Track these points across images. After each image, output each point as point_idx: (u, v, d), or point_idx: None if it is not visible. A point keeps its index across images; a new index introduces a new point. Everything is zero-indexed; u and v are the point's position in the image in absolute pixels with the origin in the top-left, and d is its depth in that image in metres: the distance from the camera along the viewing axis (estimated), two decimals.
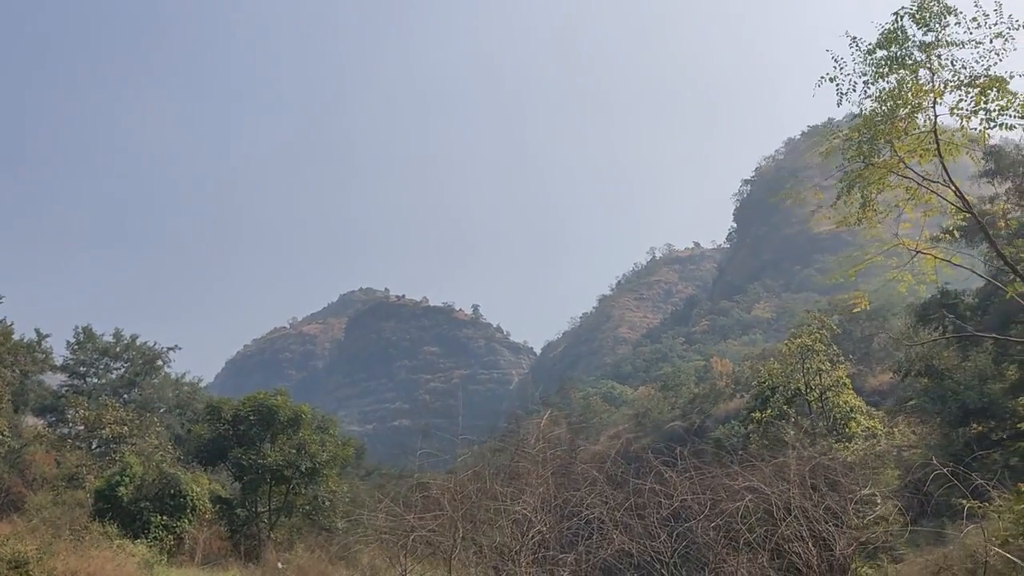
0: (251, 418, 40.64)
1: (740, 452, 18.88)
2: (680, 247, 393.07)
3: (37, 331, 57.82)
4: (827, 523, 14.56)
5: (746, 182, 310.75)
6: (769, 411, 35.72)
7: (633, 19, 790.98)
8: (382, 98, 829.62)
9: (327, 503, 41.53)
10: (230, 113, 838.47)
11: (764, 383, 38.37)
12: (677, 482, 14.84)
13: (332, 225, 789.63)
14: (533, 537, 14.58)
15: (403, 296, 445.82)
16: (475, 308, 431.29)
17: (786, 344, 38.66)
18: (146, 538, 33.31)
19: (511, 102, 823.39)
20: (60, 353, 61.30)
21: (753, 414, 37.21)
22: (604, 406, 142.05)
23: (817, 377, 35.10)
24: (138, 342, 64.24)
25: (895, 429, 34.96)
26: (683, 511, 15.13)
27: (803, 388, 35.48)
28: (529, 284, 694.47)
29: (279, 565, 36.49)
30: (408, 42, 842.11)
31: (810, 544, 13.78)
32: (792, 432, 33.33)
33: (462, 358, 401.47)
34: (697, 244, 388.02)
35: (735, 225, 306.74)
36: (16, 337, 53.81)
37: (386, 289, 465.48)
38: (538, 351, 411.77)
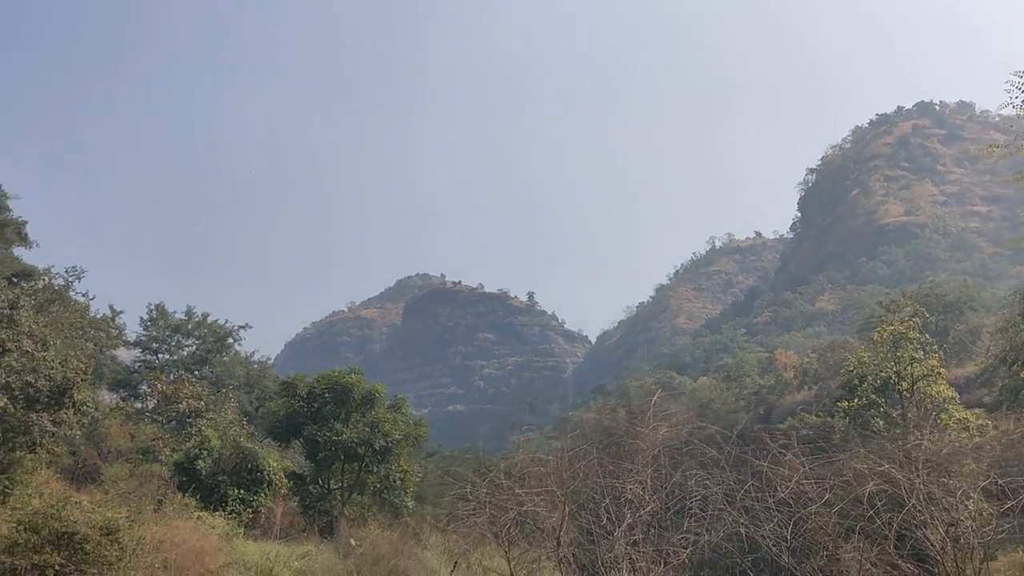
0: (326, 395, 40.78)
1: (819, 442, 18.06)
2: (741, 237, 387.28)
3: (111, 307, 59.06)
4: (951, 511, 13.82)
5: (811, 171, 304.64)
6: (857, 400, 34.63)
7: (697, 3, 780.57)
8: (442, 81, 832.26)
9: (398, 482, 41.53)
10: (293, 99, 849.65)
11: (852, 371, 37.19)
12: (796, 464, 14.16)
13: (390, 210, 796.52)
14: (642, 516, 14.07)
15: (459, 282, 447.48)
16: (530, 295, 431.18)
17: (877, 332, 37.37)
18: (224, 511, 33.62)
19: (571, 89, 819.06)
20: (132, 329, 62.60)
21: (840, 403, 36.06)
22: (666, 395, 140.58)
23: (909, 366, 33.83)
24: (209, 320, 65.17)
25: (990, 422, 33.41)
26: (797, 496, 14.47)
27: (894, 377, 34.27)
28: (585, 272, 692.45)
29: (352, 542, 36.64)
30: (477, 19, 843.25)
31: (942, 531, 13.03)
32: (882, 422, 32.31)
33: (517, 345, 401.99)
34: (758, 234, 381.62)
35: (799, 215, 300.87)
36: (90, 313, 54.99)
37: (442, 275, 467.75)
38: (593, 340, 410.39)
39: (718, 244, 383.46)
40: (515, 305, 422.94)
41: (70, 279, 41.48)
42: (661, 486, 14.14)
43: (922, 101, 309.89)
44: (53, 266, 46.25)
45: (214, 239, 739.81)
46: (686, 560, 13.14)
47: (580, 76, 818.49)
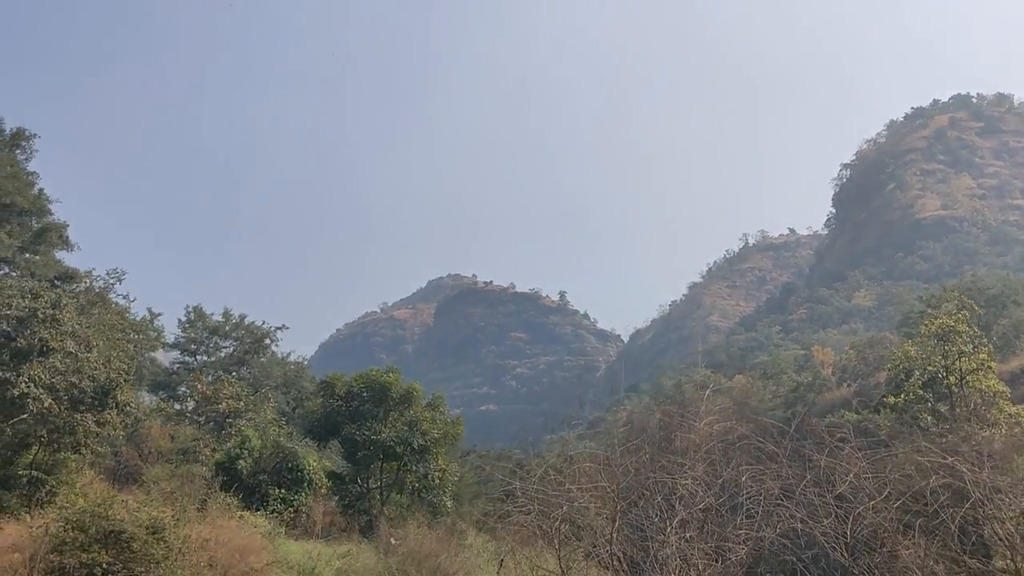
0: (364, 394, 40.82)
1: (879, 435, 17.59)
2: (774, 233, 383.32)
3: (149, 310, 59.60)
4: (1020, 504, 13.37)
5: (845, 166, 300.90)
6: (904, 396, 33.86)
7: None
8: (475, 80, 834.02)
9: (436, 481, 41.40)
10: (326, 100, 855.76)
11: (899, 366, 36.38)
12: (853, 459, 13.77)
13: (422, 211, 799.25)
14: (695, 512, 13.77)
15: (490, 282, 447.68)
16: (562, 295, 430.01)
17: (925, 325, 36.52)
18: (265, 510, 33.70)
19: (602, 86, 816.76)
20: (170, 331, 63.17)
21: (886, 398, 35.30)
22: (699, 393, 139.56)
23: (958, 360, 32.98)
24: (246, 321, 65.62)
25: None
26: (855, 491, 14.08)
27: (942, 372, 33.44)
28: (617, 271, 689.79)
29: (392, 541, 36.56)
30: (510, 16, 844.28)
31: (1011, 525, 12.60)
32: (930, 417, 31.60)
33: (549, 345, 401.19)
34: (792, 230, 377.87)
35: (834, 210, 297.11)
36: (130, 315, 55.52)
37: (473, 275, 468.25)
38: (626, 339, 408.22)
39: (751, 241, 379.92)
40: (547, 304, 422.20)
41: (111, 281, 42.05)
42: (715, 481, 13.82)
43: (959, 93, 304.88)
44: (94, 269, 46.81)
45: (248, 241, 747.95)
46: (744, 557, 12.81)
47: (612, 73, 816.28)
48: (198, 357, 63.10)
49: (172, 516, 23.16)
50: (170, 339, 62.79)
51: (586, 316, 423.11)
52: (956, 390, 32.96)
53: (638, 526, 14.51)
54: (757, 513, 13.94)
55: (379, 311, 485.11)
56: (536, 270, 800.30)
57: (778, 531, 13.67)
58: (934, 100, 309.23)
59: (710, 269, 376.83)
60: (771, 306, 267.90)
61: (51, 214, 38.94)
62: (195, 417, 46.93)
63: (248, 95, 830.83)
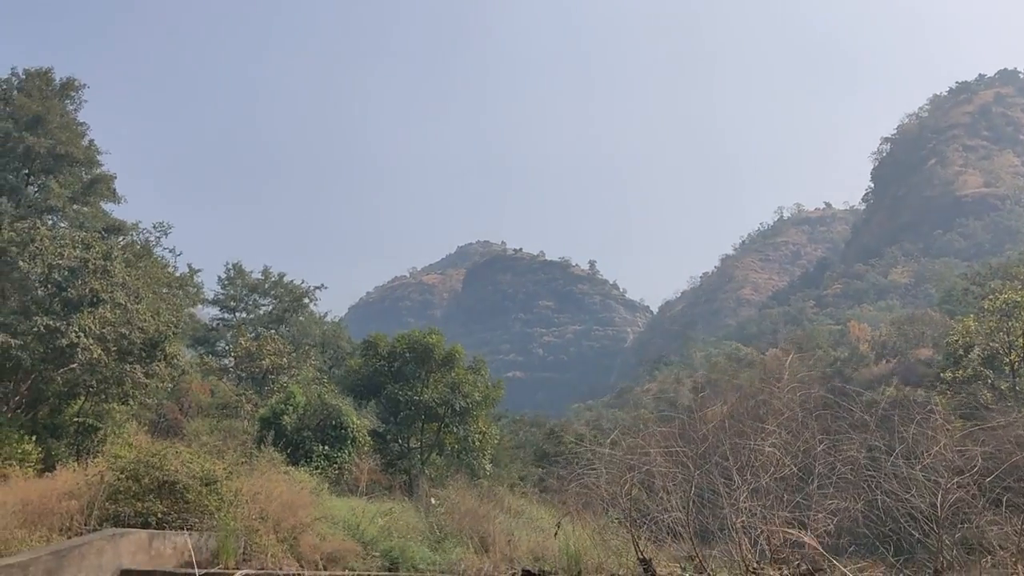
0: (407, 355, 40.63)
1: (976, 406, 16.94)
2: (810, 207, 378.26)
3: (189, 266, 59.73)
4: None
5: (886, 140, 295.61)
6: (962, 371, 33.00)
7: None
8: (513, 46, 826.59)
9: (476, 443, 41.25)
10: (360, 69, 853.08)
11: (957, 342, 35.43)
12: (944, 430, 13.20)
13: (453, 177, 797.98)
14: (772, 480, 13.30)
15: (520, 249, 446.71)
16: (592, 264, 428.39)
17: (988, 300, 35.49)
18: (309, 466, 33.67)
19: (641, 58, 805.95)
20: (209, 288, 63.36)
21: (943, 374, 34.45)
22: (731, 365, 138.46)
23: (1021, 337, 31.99)
24: (285, 280, 65.67)
25: None
26: (945, 464, 13.51)
27: (1004, 348, 32.51)
28: (648, 241, 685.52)
29: (432, 501, 36.51)
30: None
31: None
32: (989, 394, 30.79)
33: (577, 313, 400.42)
34: (828, 204, 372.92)
35: (872, 185, 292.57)
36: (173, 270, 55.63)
37: (503, 242, 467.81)
38: (655, 310, 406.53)
39: (786, 214, 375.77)
40: (576, 273, 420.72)
41: (157, 234, 42.08)
42: (796, 448, 13.32)
43: (1005, 69, 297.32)
44: (140, 221, 46.88)
45: (284, 203, 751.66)
46: (828, 528, 12.35)
47: (659, 42, 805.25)
48: (237, 314, 63.35)
49: (224, 469, 23.10)
50: (208, 296, 63.13)
51: (615, 286, 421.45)
52: (1019, 367, 32.08)
53: (712, 493, 14.09)
54: (840, 483, 13.46)
55: (408, 275, 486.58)
56: (567, 239, 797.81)
57: (862, 503, 13.19)
58: (979, 75, 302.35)
59: (743, 242, 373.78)
60: (805, 280, 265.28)
61: (100, 165, 38.95)
62: (238, 372, 47.06)
63: (294, 55, 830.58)
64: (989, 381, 31.46)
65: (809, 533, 12.14)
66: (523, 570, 14.03)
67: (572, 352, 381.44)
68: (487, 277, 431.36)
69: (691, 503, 13.12)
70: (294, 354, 47.53)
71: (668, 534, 14.70)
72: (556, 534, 23.20)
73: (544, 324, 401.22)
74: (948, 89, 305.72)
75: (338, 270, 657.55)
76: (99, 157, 38.63)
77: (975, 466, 13.09)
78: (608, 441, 15.05)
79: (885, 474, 12.95)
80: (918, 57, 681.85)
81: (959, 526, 13.47)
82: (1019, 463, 12.98)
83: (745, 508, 13.22)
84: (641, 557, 13.84)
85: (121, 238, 37.73)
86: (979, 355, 33.44)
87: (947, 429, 13.60)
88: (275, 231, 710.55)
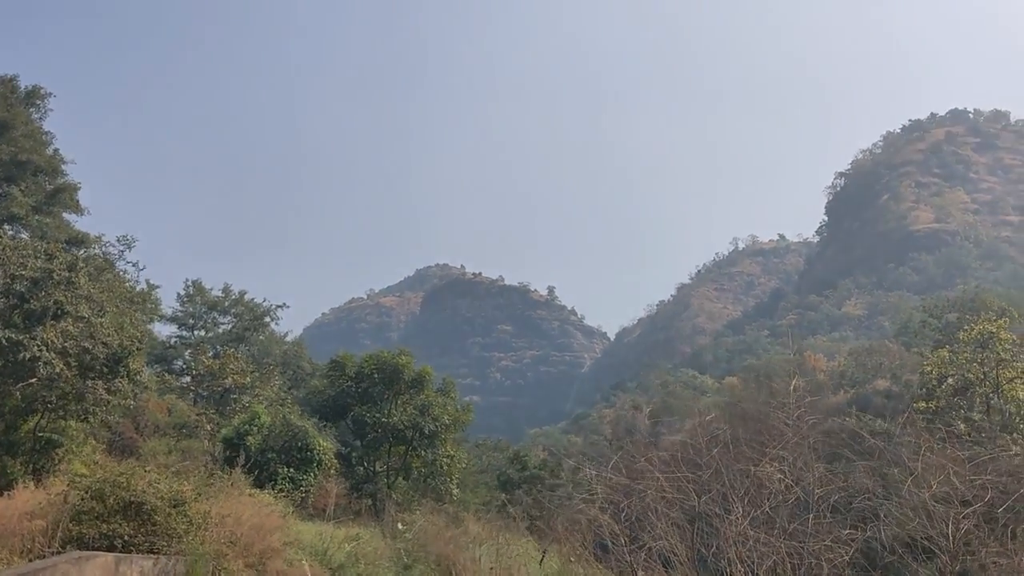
0: (375, 376, 39.84)
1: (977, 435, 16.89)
2: (764, 239, 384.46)
3: (147, 282, 58.19)
4: None
5: (840, 175, 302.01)
6: (935, 402, 33.24)
7: (730, 6, 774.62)
8: (460, 78, 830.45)
9: (444, 467, 40.52)
10: (327, 88, 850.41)
11: (931, 372, 35.71)
12: (950, 458, 13.03)
13: (409, 199, 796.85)
14: (782, 506, 12.99)
15: (479, 273, 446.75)
16: (550, 289, 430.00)
17: (963, 332, 35.86)
18: (273, 489, 32.72)
19: (591, 83, 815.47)
20: (168, 305, 61.78)
21: (917, 404, 34.66)
22: (689, 393, 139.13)
23: (995, 368, 32.31)
24: (246, 298, 64.43)
25: None
26: (948, 494, 13.32)
27: (980, 379, 32.77)
28: (605, 269, 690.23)
29: (399, 525, 35.73)
30: (480, 24, 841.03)
31: None
32: (963, 425, 30.99)
33: (535, 339, 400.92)
34: (782, 236, 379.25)
35: (826, 218, 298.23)
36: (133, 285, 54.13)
37: (462, 266, 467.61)
38: (612, 336, 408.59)
39: (741, 245, 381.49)
40: (535, 298, 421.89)
41: (121, 248, 40.86)
42: (806, 475, 13.02)
43: (956, 108, 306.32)
44: (104, 234, 45.53)
45: (238, 219, 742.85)
46: (843, 558, 12.03)
47: (606, 75, 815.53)
48: (196, 332, 61.84)
49: (192, 490, 22.25)
50: (166, 312, 61.54)
51: (573, 312, 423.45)
52: (992, 399, 32.37)
53: (708, 520, 13.73)
54: (844, 511, 13.20)
55: (365, 297, 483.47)
56: (525, 264, 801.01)
57: (869, 532, 12.93)
58: (931, 113, 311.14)
59: (699, 271, 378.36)
60: (760, 310, 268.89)
61: (65, 175, 37.78)
62: (200, 391, 45.81)
63: (241, 74, 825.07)
64: (963, 412, 31.73)
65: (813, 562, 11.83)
66: None
67: (529, 377, 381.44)
68: (446, 301, 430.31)
69: (693, 531, 12.74)
70: (256, 373, 46.42)
71: (660, 562, 14.30)
72: (541, 562, 22.71)
73: (502, 348, 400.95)
74: (901, 127, 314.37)
75: (293, 290, 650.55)
76: (63, 167, 37.56)
77: (987, 496, 12.94)
78: (610, 466, 14.60)
79: (892, 502, 12.73)
80: (874, 93, 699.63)
81: (964, 558, 13.29)
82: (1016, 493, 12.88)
83: (749, 535, 12.88)
84: None
85: (83, 251, 36.54)
86: (952, 385, 33.78)
87: (955, 457, 13.43)
88: (230, 251, 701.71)
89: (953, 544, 12.36)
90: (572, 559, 17.04)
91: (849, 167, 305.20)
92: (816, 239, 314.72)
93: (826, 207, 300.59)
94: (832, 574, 11.57)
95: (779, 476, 12.58)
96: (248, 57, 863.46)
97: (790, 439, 13.15)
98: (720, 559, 13.43)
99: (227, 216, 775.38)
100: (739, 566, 12.83)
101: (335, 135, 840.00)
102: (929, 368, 36.31)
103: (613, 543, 14.44)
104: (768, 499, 12.99)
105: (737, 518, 13.13)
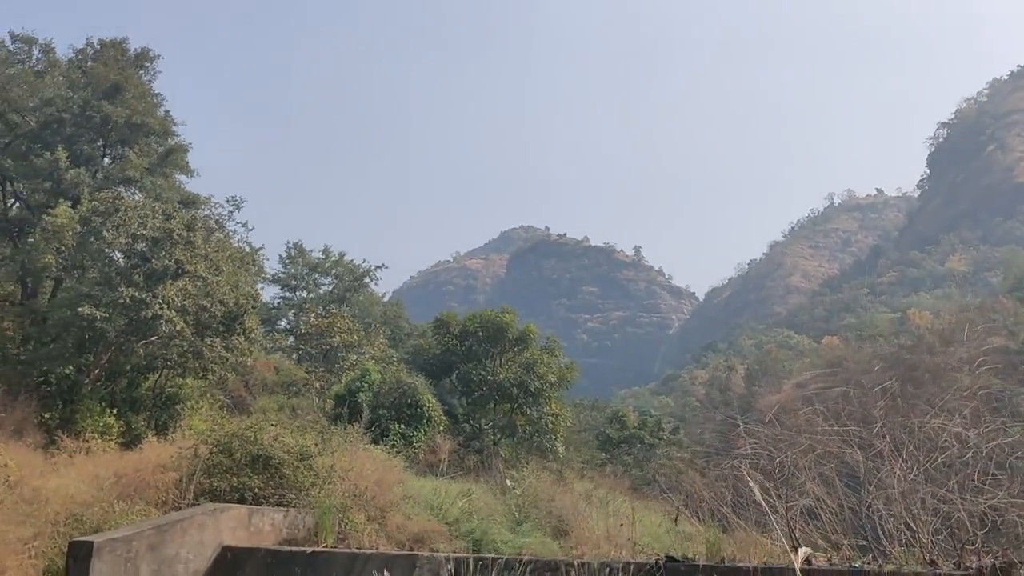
0: (479, 334, 39.75)
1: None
2: (861, 193, 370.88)
3: (250, 244, 59.30)
4: None
5: (943, 125, 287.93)
6: None
7: None
8: (563, 31, 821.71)
9: (549, 425, 40.26)
10: (407, 50, 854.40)
11: None
12: None
13: (497, 162, 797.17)
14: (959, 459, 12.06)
15: (564, 234, 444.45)
16: (637, 249, 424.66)
17: None
18: (385, 444, 33.01)
19: (682, 41, 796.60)
20: (270, 267, 62.95)
21: None
22: (784, 354, 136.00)
23: None
24: (345, 260, 65.17)
25: None
26: None
27: None
28: (694, 228, 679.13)
29: (507, 482, 35.70)
30: None
31: None
32: None
33: (621, 300, 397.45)
34: (880, 191, 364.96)
35: (928, 171, 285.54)
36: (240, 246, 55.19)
37: (547, 227, 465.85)
38: (701, 297, 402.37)
39: (837, 201, 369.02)
40: (621, 259, 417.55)
41: (230, 208, 41.63)
42: (983, 429, 12.05)
43: None
44: (213, 195, 46.19)
45: (329, 182, 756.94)
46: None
47: (704, 30, 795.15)
48: (298, 293, 62.99)
49: (316, 445, 22.45)
50: (269, 274, 62.77)
51: (661, 272, 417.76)
52: None
53: (871, 476, 12.88)
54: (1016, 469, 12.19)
55: (452, 260, 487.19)
56: (612, 225, 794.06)
57: None
58: None
59: (792, 228, 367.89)
60: (857, 268, 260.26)
61: (176, 136, 38.58)
62: (307, 350, 46.63)
63: (344, 40, 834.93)
64: None
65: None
66: (666, 555, 12.96)
67: (616, 338, 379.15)
68: (531, 262, 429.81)
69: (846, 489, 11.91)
70: (362, 332, 46.93)
71: (809, 520, 13.56)
72: (676, 520, 22.16)
73: (588, 310, 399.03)
74: (1008, 73, 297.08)
75: (383, 253, 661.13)
76: (174, 128, 38.33)
77: None
78: (766, 419, 13.87)
79: None
80: (975, 39, 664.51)
81: None
82: None
83: (920, 490, 12.01)
84: (795, 544, 12.70)
85: (195, 212, 37.30)
86: None
87: None
88: (322, 212, 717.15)
89: None
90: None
91: (952, 116, 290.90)
92: (917, 193, 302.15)
93: (928, 159, 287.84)
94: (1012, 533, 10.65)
95: (958, 430, 11.60)
96: (362, 19, 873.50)
97: (968, 388, 12.17)
98: (882, 516, 12.64)
99: (317, 181, 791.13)
100: (910, 522, 12.03)
101: (424, 102, 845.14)
102: None
103: (765, 498, 13.77)
104: (937, 452, 12.08)
105: (904, 473, 12.29)
